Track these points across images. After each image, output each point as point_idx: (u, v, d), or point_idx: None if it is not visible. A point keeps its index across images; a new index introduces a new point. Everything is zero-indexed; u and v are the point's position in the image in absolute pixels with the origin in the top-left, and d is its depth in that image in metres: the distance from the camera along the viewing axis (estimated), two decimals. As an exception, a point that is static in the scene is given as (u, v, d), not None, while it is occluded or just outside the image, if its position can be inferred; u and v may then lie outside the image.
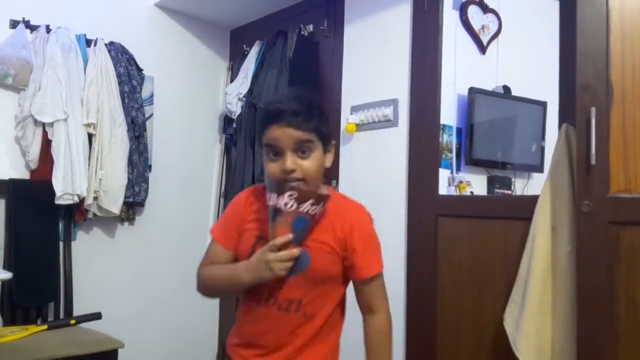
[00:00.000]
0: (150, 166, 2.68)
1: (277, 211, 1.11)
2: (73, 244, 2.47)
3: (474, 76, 2.58)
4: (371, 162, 2.28)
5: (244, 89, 2.70)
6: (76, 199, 2.30)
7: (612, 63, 1.43)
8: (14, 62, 2.26)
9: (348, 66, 2.43)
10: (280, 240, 1.10)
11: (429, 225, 2.01)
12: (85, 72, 2.40)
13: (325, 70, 2.54)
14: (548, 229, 1.60)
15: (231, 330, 1.29)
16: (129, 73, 2.57)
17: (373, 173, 2.26)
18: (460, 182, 2.39)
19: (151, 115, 2.73)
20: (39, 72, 2.29)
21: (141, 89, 2.63)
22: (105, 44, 2.51)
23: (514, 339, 1.62)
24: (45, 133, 2.31)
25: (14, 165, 2.35)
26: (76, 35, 2.44)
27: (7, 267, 2.18)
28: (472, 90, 2.53)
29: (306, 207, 1.11)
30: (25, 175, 2.37)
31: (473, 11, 2.65)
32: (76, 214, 2.44)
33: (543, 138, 2.70)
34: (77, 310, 2.39)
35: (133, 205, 2.65)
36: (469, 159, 2.53)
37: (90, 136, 2.39)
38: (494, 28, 2.72)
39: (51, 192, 2.25)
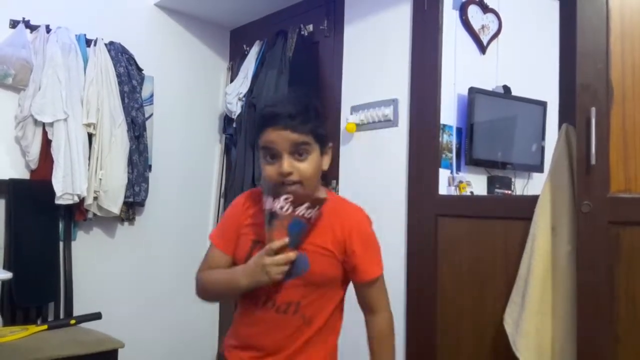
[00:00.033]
0: (150, 166, 2.68)
1: (273, 215, 1.12)
2: (73, 244, 2.47)
3: (474, 76, 2.58)
4: (371, 162, 2.28)
5: (244, 88, 2.70)
6: (76, 199, 2.30)
7: (612, 63, 1.43)
8: (14, 62, 2.26)
9: (348, 66, 2.43)
10: (276, 244, 1.11)
11: (429, 225, 2.01)
12: (85, 72, 2.40)
13: (325, 70, 2.54)
14: (548, 229, 1.60)
15: (228, 331, 1.29)
16: (129, 73, 2.57)
17: (373, 173, 2.26)
18: (460, 182, 2.39)
19: (151, 115, 2.73)
20: (39, 72, 2.29)
21: (141, 89, 2.63)
22: (105, 44, 2.51)
23: (514, 339, 1.62)
24: (45, 133, 2.31)
25: (14, 165, 2.35)
26: (76, 35, 2.44)
27: (7, 267, 2.18)
28: (472, 90, 2.53)
29: (302, 210, 1.11)
30: (25, 175, 2.37)
31: (473, 11, 2.65)
32: (76, 214, 2.44)
33: (543, 138, 2.70)
34: (77, 310, 2.39)
35: (133, 205, 2.65)
36: (469, 159, 2.53)
37: (90, 136, 2.39)
38: (494, 28, 2.72)
39: (51, 192, 2.25)
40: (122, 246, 2.68)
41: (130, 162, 2.52)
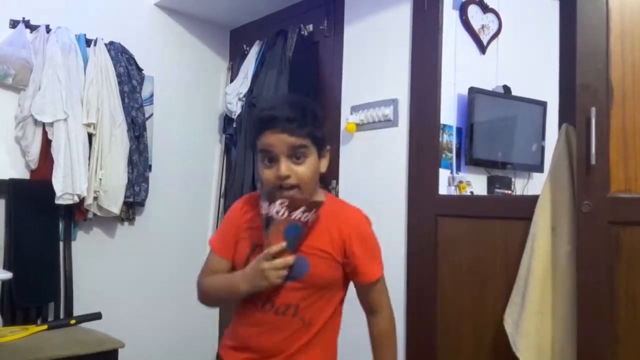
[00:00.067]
0: (150, 166, 2.68)
1: (269, 219, 1.12)
2: (73, 244, 2.47)
3: (474, 76, 2.58)
4: (371, 162, 2.28)
5: (244, 88, 2.70)
6: (76, 199, 2.30)
7: (612, 63, 1.43)
8: (14, 62, 2.26)
9: (348, 66, 2.43)
10: (274, 248, 1.11)
11: (429, 225, 2.01)
12: (85, 72, 2.40)
13: (325, 70, 2.54)
14: (548, 229, 1.60)
15: (225, 331, 1.29)
16: (129, 73, 2.57)
17: (373, 173, 2.26)
18: (460, 182, 2.39)
19: (151, 115, 2.73)
20: (39, 72, 2.29)
21: (141, 88, 2.63)
22: (105, 44, 2.51)
23: (514, 339, 1.62)
24: (45, 133, 2.31)
25: (14, 165, 2.35)
26: (76, 35, 2.44)
27: (7, 267, 2.18)
28: (472, 90, 2.53)
29: (298, 214, 1.11)
30: (25, 175, 2.37)
31: (473, 11, 2.65)
32: (76, 214, 2.44)
33: (543, 138, 2.70)
34: (77, 310, 2.39)
35: (133, 205, 2.65)
36: (469, 158, 2.53)
37: (90, 136, 2.39)
38: (494, 28, 2.72)
39: (51, 192, 2.25)
40: (122, 246, 2.68)
41: (130, 162, 2.52)
